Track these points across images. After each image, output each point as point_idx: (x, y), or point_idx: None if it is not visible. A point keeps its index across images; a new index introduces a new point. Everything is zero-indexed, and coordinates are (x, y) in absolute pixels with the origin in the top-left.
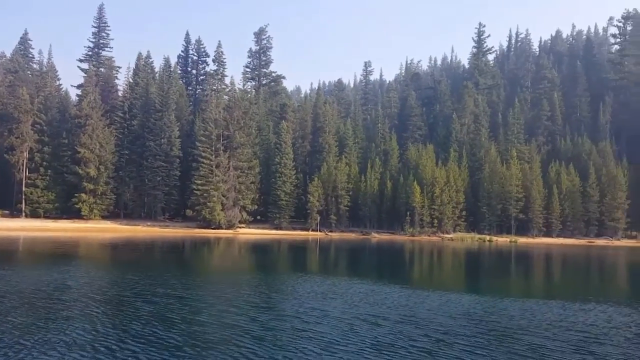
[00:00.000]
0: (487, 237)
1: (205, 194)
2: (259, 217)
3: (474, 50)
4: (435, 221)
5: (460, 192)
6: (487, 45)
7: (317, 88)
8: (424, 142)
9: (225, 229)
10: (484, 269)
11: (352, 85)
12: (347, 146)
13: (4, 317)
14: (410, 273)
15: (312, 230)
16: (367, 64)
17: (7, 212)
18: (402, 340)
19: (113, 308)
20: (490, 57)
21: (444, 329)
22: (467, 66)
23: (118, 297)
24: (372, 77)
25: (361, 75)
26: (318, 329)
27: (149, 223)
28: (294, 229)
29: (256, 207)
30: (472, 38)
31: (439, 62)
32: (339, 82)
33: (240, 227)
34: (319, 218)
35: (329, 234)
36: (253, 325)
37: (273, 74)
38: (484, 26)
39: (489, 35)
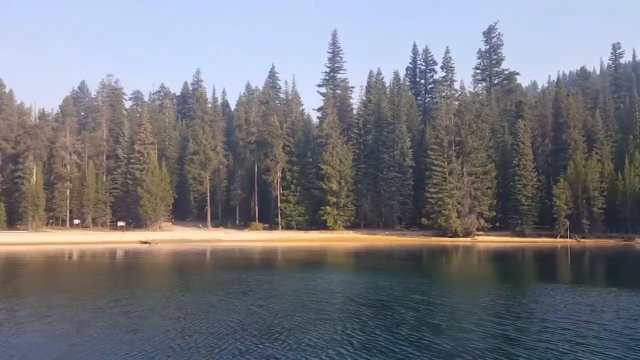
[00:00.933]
0: None
1: (439, 202)
2: (498, 224)
3: None
4: None
5: None
6: None
7: (555, 80)
8: None
9: (463, 236)
10: None
11: (597, 72)
12: (598, 140)
13: (289, 318)
14: None
15: (561, 236)
16: (615, 46)
17: (267, 225)
18: None
19: (378, 311)
20: None
21: None
22: None
23: (378, 302)
24: (622, 60)
25: (609, 59)
26: (599, 343)
27: (387, 232)
28: (539, 235)
29: (494, 213)
30: None
31: None
32: (582, 70)
33: (478, 235)
34: (567, 223)
35: (581, 240)
36: (522, 335)
37: (505, 72)
38: None
39: None
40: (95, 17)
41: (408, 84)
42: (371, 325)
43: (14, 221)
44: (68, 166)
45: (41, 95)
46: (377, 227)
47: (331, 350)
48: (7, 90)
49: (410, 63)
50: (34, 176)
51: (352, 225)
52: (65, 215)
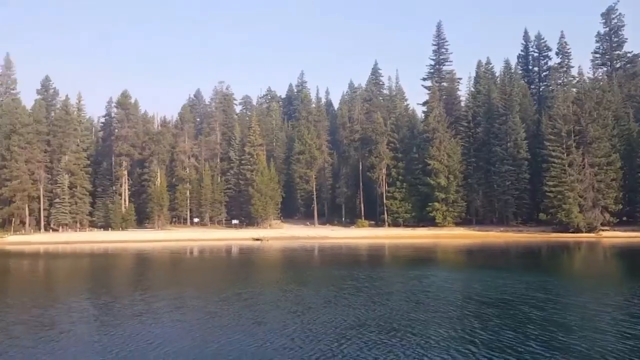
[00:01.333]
0: None
1: (559, 196)
2: (625, 218)
3: None
4: None
5: None
6: None
7: None
8: None
9: (585, 232)
10: None
11: None
12: None
13: (408, 315)
14: None
15: None
16: None
17: (372, 222)
18: None
19: (500, 310)
20: None
21: None
22: None
23: (499, 300)
24: None
25: None
26: None
27: (501, 229)
28: None
29: (621, 206)
30: None
31: None
32: None
33: (603, 230)
34: None
35: None
36: None
37: (628, 55)
38: None
39: None
40: (203, 26)
41: (520, 72)
42: (495, 324)
43: (142, 220)
44: (187, 169)
45: (161, 103)
46: (490, 223)
47: (456, 348)
48: (132, 100)
49: (522, 50)
50: (158, 179)
51: (463, 222)
52: (186, 214)
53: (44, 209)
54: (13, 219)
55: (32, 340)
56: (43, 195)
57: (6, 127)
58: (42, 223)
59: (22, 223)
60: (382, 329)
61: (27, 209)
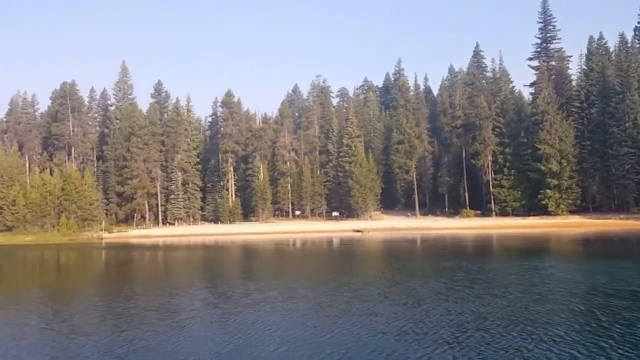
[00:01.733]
0: None
1: None
2: None
3: None
4: None
5: None
6: None
7: None
8: None
9: None
10: None
11: None
12: None
13: (530, 308)
14: None
15: None
16: None
17: (478, 212)
18: None
19: (632, 303)
20: None
21: None
22: None
23: (629, 292)
24: None
25: None
26: None
27: (621, 216)
28: None
29: None
30: None
31: None
32: None
33: None
34: None
35: None
36: None
37: None
38: None
39: None
40: (298, 25)
41: (638, 46)
42: (628, 317)
43: (247, 213)
44: (288, 163)
45: (261, 99)
46: (608, 210)
47: (590, 342)
48: (236, 99)
49: (638, 22)
50: (261, 173)
51: (578, 210)
52: (288, 207)
53: (161, 205)
54: (135, 214)
55: (163, 326)
56: (160, 191)
57: (126, 130)
58: (160, 217)
59: (143, 218)
60: (504, 321)
61: (146, 204)
